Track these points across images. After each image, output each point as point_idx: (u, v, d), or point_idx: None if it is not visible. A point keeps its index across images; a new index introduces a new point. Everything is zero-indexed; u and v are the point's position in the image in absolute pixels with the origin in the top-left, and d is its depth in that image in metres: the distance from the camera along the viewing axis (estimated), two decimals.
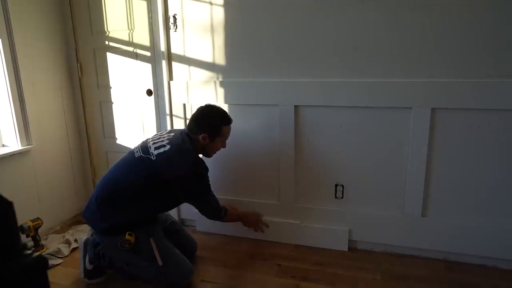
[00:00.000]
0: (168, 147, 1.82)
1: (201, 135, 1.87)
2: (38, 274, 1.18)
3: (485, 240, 1.97)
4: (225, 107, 2.29)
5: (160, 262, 1.77)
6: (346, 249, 2.20)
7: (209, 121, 1.90)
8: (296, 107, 2.14)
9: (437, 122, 1.93)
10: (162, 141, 1.87)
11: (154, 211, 1.95)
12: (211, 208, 1.97)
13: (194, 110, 2.34)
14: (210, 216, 2.00)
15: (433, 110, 1.91)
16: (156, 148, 1.83)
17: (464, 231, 1.99)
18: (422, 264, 2.04)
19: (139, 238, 1.79)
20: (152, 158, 1.80)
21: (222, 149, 2.01)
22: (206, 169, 1.89)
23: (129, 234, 1.77)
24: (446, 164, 1.97)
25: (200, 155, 1.95)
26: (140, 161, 1.82)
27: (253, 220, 2.17)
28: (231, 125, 1.99)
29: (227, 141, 2.02)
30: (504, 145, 1.86)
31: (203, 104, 1.99)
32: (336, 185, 2.19)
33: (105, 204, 1.80)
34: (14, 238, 1.17)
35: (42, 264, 1.19)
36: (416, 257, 2.11)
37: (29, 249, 1.20)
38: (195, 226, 2.54)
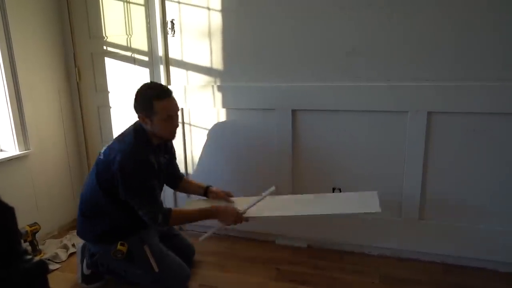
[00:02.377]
0: (112, 141, 1.78)
1: (139, 116, 1.71)
2: (38, 279, 1.18)
3: (484, 243, 1.97)
4: (223, 112, 2.30)
5: (156, 269, 1.75)
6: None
7: (140, 99, 1.69)
8: (293, 111, 2.14)
9: (433, 125, 1.94)
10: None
11: (133, 215, 1.74)
12: (145, 213, 1.70)
13: (192, 115, 2.37)
14: (147, 221, 1.72)
15: (430, 113, 1.92)
16: (106, 146, 1.79)
17: (462, 234, 2.00)
18: (420, 268, 2.05)
19: (133, 246, 1.77)
20: (100, 157, 1.76)
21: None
22: (141, 163, 1.66)
23: (121, 244, 1.73)
24: (443, 167, 1.98)
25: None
26: (95, 164, 1.79)
27: (231, 216, 1.79)
28: (169, 97, 1.70)
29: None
30: (501, 148, 1.87)
31: None
32: (334, 189, 2.19)
33: (87, 215, 1.81)
34: (15, 243, 1.17)
35: (42, 269, 1.19)
36: (414, 260, 2.11)
37: (29, 254, 1.20)
38: (193, 230, 2.53)
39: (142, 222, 1.77)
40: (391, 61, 1.94)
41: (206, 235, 1.85)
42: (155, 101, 1.65)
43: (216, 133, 2.34)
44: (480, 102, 1.84)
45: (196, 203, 2.06)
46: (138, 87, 1.73)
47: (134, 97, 1.71)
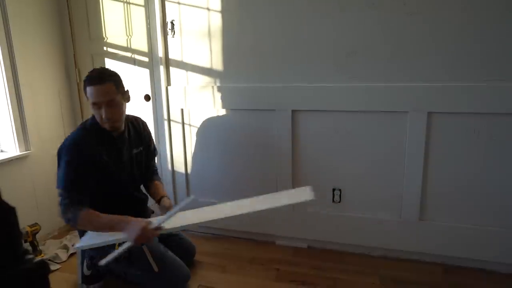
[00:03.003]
0: None
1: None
2: (40, 279, 1.18)
3: (484, 244, 1.97)
4: (223, 112, 2.30)
5: (155, 269, 1.75)
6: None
7: (83, 83, 1.70)
8: (293, 111, 2.14)
9: (433, 126, 1.94)
10: None
11: (103, 202, 1.71)
12: (62, 204, 1.63)
13: (192, 116, 2.37)
14: (59, 212, 1.65)
15: (430, 114, 1.92)
16: None
17: (462, 235, 2.00)
18: (420, 268, 2.04)
19: (131, 247, 1.75)
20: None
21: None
22: (71, 154, 1.62)
23: (119, 245, 1.72)
24: (443, 168, 1.97)
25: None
26: None
27: (138, 230, 1.59)
28: (98, 86, 1.63)
29: None
30: (501, 148, 1.87)
31: None
32: (334, 189, 2.19)
33: None
34: (16, 243, 1.18)
35: (44, 269, 1.20)
36: (414, 261, 2.11)
37: (30, 253, 1.20)
38: (193, 231, 2.53)
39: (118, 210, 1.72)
40: (391, 61, 1.94)
41: (108, 258, 1.59)
42: (87, 87, 1.66)
43: (216, 134, 2.34)
44: (481, 102, 1.83)
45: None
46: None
47: None
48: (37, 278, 1.17)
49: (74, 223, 1.63)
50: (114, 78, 1.70)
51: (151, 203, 2.04)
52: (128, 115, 1.91)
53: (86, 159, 1.65)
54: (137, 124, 1.95)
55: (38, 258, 1.21)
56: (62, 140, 1.65)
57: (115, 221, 1.65)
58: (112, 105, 1.68)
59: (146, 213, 2.00)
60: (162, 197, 1.96)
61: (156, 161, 2.17)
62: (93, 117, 1.75)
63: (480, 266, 2.01)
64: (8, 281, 1.09)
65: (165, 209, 1.87)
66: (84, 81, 1.68)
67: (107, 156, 1.73)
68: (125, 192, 1.85)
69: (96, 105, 1.66)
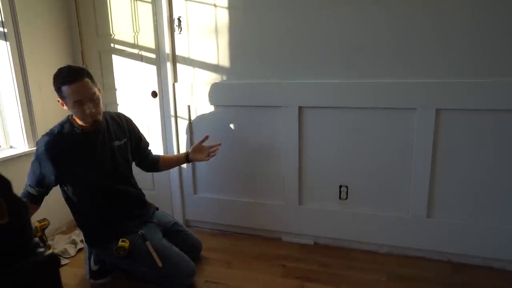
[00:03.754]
0: None
1: (59, 101, 1.71)
2: (50, 271, 1.20)
3: (492, 242, 1.95)
4: (229, 109, 2.30)
5: (159, 264, 1.76)
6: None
7: (54, 84, 1.67)
8: (300, 108, 2.14)
9: (442, 123, 1.92)
10: None
11: (94, 205, 1.85)
12: (25, 187, 1.80)
13: (198, 112, 2.38)
14: None
15: (438, 111, 1.90)
16: None
17: (470, 232, 1.98)
18: (427, 266, 2.03)
19: (135, 244, 1.78)
20: None
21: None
22: (40, 152, 1.71)
23: (122, 241, 1.76)
24: (452, 165, 1.96)
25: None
26: None
27: None
28: (77, 83, 1.64)
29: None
30: (510, 145, 1.85)
31: None
32: (341, 186, 2.19)
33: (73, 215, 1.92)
34: (27, 236, 1.20)
35: (54, 262, 1.22)
36: (421, 258, 2.10)
37: (41, 247, 1.22)
38: (200, 227, 2.55)
39: (117, 215, 1.87)
40: (399, 58, 1.92)
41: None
42: (63, 86, 1.63)
43: (222, 131, 2.35)
44: (490, 99, 1.81)
45: None
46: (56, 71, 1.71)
47: None
48: (48, 270, 1.19)
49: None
50: (87, 73, 1.72)
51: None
52: (109, 111, 1.99)
53: (48, 159, 1.71)
54: (118, 118, 1.95)
55: (50, 251, 1.23)
56: None
57: None
58: (94, 99, 1.69)
59: (144, 209, 2.00)
60: (188, 153, 2.12)
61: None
62: (62, 122, 1.77)
63: (488, 264, 2.00)
64: (20, 273, 1.11)
65: (197, 149, 2.11)
66: (58, 82, 1.64)
67: (76, 154, 1.75)
68: (102, 184, 1.84)
69: (79, 102, 1.65)
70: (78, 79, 1.64)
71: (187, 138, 2.44)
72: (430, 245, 2.07)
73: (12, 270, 1.11)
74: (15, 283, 1.12)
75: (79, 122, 1.75)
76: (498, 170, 1.89)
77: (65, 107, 1.70)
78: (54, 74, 1.68)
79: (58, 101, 1.70)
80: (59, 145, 1.72)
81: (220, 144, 2.15)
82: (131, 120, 2.04)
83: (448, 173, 1.97)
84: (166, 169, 2.25)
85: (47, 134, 1.75)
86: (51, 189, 1.82)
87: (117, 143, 1.89)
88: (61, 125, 1.76)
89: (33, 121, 2.34)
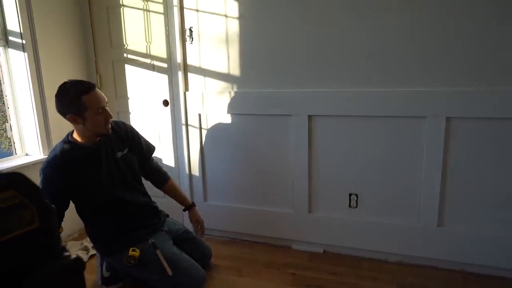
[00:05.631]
0: None
1: (69, 119, 1.66)
2: (76, 273, 1.24)
3: (504, 251, 1.93)
4: (239, 117, 2.32)
5: (170, 273, 1.76)
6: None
7: (67, 99, 1.62)
8: (310, 116, 2.16)
9: (452, 131, 1.92)
10: None
11: (110, 220, 1.84)
12: None
13: (209, 121, 2.41)
14: None
15: (448, 119, 1.90)
16: None
17: (482, 241, 1.96)
18: (438, 276, 2.01)
19: (145, 252, 1.79)
20: None
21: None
22: (47, 171, 1.66)
23: (133, 250, 1.76)
24: (462, 173, 1.95)
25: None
26: None
27: None
28: (96, 90, 1.66)
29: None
30: None
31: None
32: (350, 195, 2.18)
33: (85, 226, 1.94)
34: (55, 240, 1.25)
35: (80, 265, 1.26)
36: (432, 268, 2.08)
37: (67, 251, 1.26)
38: (210, 235, 2.56)
39: (129, 227, 1.86)
40: (409, 66, 1.93)
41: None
42: (84, 96, 1.61)
43: (233, 139, 2.37)
44: (500, 107, 1.81)
45: None
46: (58, 88, 1.66)
47: (56, 101, 1.65)
48: (74, 273, 1.23)
49: None
50: None
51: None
52: None
53: (59, 187, 1.67)
54: (117, 127, 1.91)
55: (76, 255, 1.27)
56: None
57: None
58: (107, 106, 1.73)
59: (156, 217, 1.99)
60: (189, 207, 2.14)
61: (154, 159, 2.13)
62: (59, 145, 1.74)
63: (501, 274, 1.97)
64: (48, 275, 1.15)
65: (197, 223, 2.14)
66: (79, 94, 1.61)
67: (82, 170, 1.72)
68: (117, 199, 1.83)
69: (102, 108, 1.68)
70: (95, 87, 1.67)
71: (198, 146, 2.46)
72: (442, 254, 2.05)
73: (41, 272, 1.16)
74: (44, 285, 1.16)
75: (79, 139, 1.74)
76: (510, 179, 1.88)
77: (79, 122, 1.66)
78: (65, 89, 1.63)
79: (71, 118, 1.65)
80: (65, 164, 1.68)
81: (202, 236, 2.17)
82: (131, 127, 2.00)
83: (459, 181, 1.96)
84: (167, 194, 2.16)
85: (49, 158, 1.71)
86: (68, 203, 1.79)
87: (119, 154, 1.87)
88: (61, 145, 1.73)
89: (48, 129, 2.40)
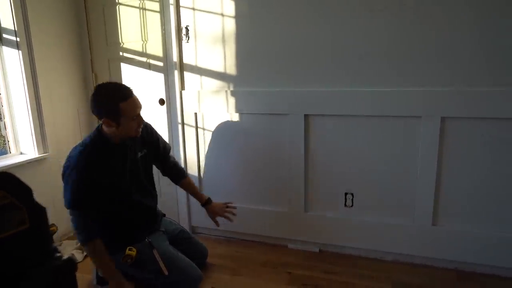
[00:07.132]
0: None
1: (103, 121, 1.65)
2: (68, 274, 1.23)
3: (498, 250, 1.95)
4: (236, 117, 2.32)
5: (166, 272, 1.76)
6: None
7: (105, 104, 1.63)
8: (306, 116, 2.16)
9: (447, 131, 1.93)
10: None
11: (112, 223, 1.80)
12: (73, 223, 1.66)
13: (205, 120, 2.40)
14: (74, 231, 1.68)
15: (443, 119, 1.91)
16: None
17: (477, 240, 1.98)
18: (433, 274, 2.03)
19: (142, 251, 1.78)
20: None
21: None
22: (79, 174, 1.60)
23: (129, 249, 1.75)
24: (457, 173, 1.96)
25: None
26: None
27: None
28: (133, 96, 1.66)
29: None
30: None
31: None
32: (346, 194, 2.19)
33: None
34: (47, 241, 1.23)
35: (71, 266, 1.24)
36: (427, 266, 2.10)
37: (59, 251, 1.25)
38: (206, 234, 2.56)
39: (129, 231, 1.82)
40: (404, 66, 1.94)
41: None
42: (122, 103, 1.61)
43: (229, 138, 2.37)
44: (495, 107, 1.82)
45: None
46: (95, 89, 1.65)
47: (93, 103, 1.64)
48: (65, 274, 1.22)
49: (82, 245, 1.70)
50: None
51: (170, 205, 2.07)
52: None
53: (91, 177, 1.63)
54: (143, 128, 1.87)
55: (67, 256, 1.26)
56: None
57: (108, 268, 1.70)
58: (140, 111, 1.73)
59: (156, 219, 2.00)
60: (208, 200, 2.14)
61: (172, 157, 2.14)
62: (94, 132, 1.72)
63: (495, 272, 1.99)
64: (40, 276, 1.14)
65: (215, 213, 2.12)
66: (118, 101, 1.60)
67: (112, 168, 1.71)
68: (130, 199, 1.82)
69: (138, 115, 1.69)
70: (132, 92, 1.66)
71: (194, 145, 2.46)
72: (436, 253, 2.06)
73: (33, 273, 1.15)
74: (36, 286, 1.15)
75: (121, 137, 1.72)
76: (504, 178, 1.90)
77: (112, 126, 1.64)
78: (104, 93, 1.63)
79: (106, 122, 1.63)
80: (95, 156, 1.65)
81: (235, 208, 2.14)
82: (151, 127, 1.99)
83: (454, 181, 1.98)
84: (183, 189, 2.20)
85: (80, 147, 1.67)
86: (98, 202, 1.70)
87: (139, 154, 1.87)
88: (91, 137, 1.71)
89: (43, 127, 2.38)
